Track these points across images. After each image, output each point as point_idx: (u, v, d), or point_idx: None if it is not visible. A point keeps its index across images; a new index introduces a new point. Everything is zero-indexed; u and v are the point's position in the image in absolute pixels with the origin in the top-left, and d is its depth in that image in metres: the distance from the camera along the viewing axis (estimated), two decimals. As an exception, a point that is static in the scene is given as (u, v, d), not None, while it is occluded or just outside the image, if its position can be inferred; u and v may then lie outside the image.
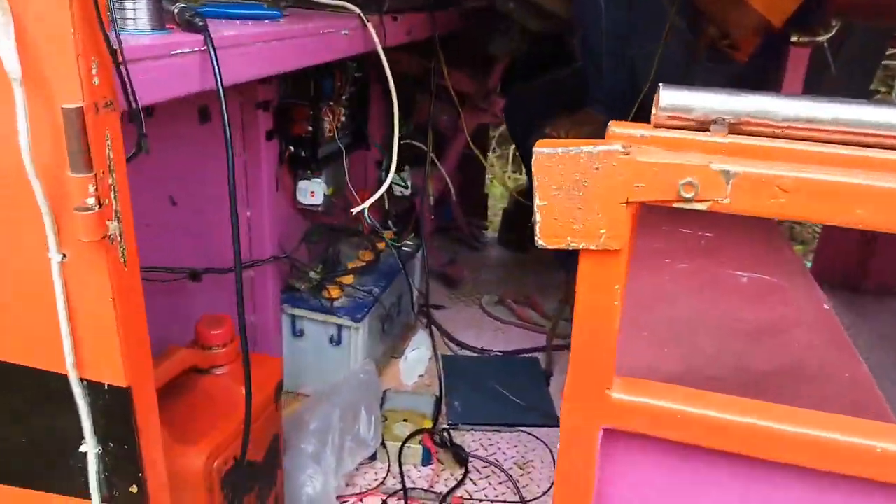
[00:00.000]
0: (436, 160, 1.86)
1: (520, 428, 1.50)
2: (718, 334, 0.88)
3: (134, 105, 0.62)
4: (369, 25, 1.10)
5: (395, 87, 1.78)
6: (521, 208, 2.48)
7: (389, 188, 1.88)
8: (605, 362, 0.52)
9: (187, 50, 0.68)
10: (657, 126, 0.54)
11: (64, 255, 0.64)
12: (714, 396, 0.54)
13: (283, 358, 1.49)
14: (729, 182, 0.47)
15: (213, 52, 0.70)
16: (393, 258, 1.70)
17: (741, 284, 1.06)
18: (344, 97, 1.46)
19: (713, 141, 0.51)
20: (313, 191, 1.44)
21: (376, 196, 1.21)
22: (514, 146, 3.54)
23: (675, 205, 0.48)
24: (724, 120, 0.52)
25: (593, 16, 1.48)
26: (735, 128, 0.52)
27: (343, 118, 1.49)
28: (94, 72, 0.57)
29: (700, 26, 1.48)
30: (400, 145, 1.83)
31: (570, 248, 0.50)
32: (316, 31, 0.95)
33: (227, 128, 0.71)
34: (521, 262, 2.39)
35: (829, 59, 1.43)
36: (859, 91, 1.69)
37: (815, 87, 1.42)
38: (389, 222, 1.86)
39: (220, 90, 0.70)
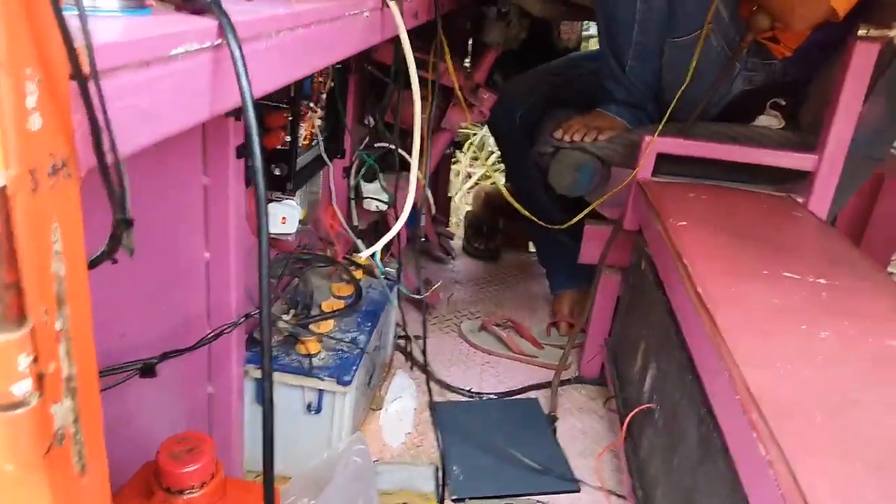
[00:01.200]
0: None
1: (534, 497, 1.26)
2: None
3: (112, 161, 0.29)
4: (392, 4, 0.79)
5: (368, 79, 1.45)
6: (489, 211, 2.23)
7: (361, 202, 1.56)
8: None
9: (195, 46, 0.36)
10: None
11: (-44, 475, 0.31)
12: None
13: (245, 432, 1.16)
14: None
15: (237, 48, 0.38)
16: (372, 290, 1.39)
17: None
18: (322, 94, 1.13)
19: None
20: (285, 216, 1.10)
21: (391, 235, 0.91)
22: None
23: None
24: None
25: (626, -1, 1.24)
26: None
27: (318, 121, 1.16)
28: (30, 102, 0.24)
29: (745, 18, 1.27)
30: (376, 150, 1.52)
31: None
32: (340, 14, 0.63)
33: (261, 186, 0.39)
34: (493, 274, 2.14)
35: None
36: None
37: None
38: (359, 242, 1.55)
39: (250, 114, 0.38)
